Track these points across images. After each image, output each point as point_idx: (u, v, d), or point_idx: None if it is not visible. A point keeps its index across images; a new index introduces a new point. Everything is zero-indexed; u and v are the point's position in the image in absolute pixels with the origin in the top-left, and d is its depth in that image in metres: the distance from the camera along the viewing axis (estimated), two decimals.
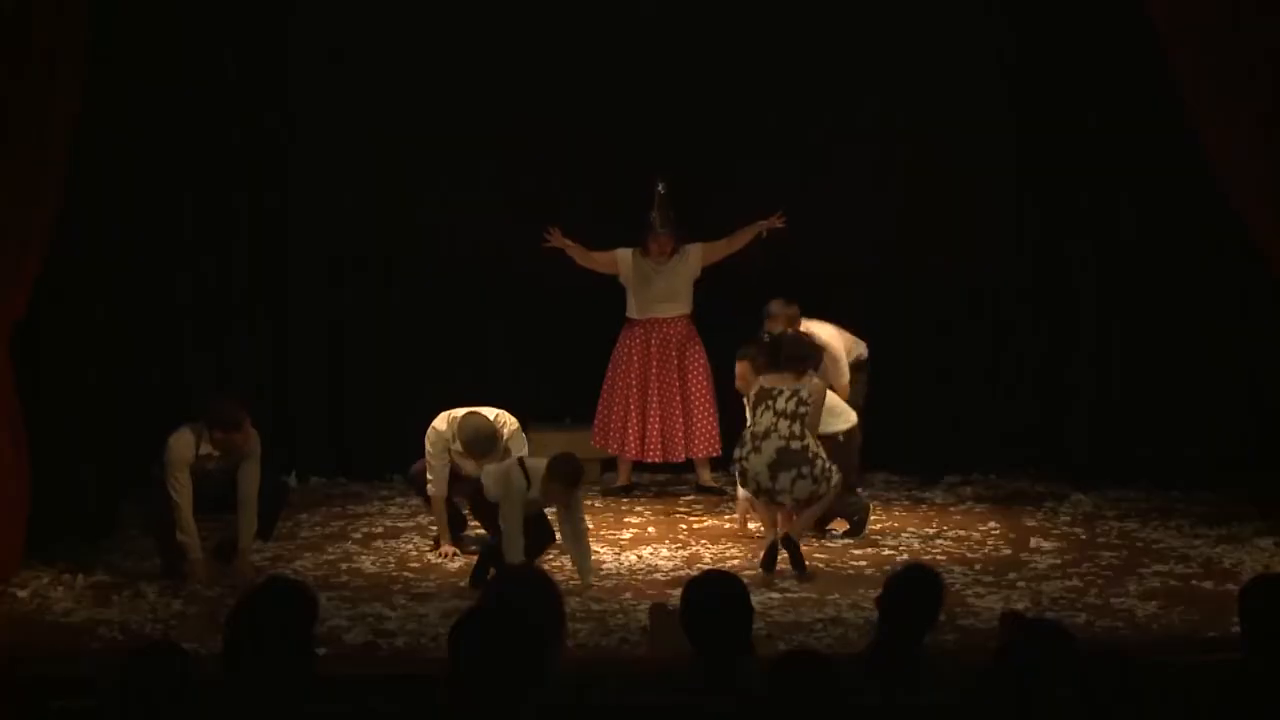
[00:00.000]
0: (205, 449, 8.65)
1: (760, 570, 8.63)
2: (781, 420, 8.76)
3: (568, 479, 8.52)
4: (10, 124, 8.22)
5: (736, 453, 8.93)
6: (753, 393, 8.99)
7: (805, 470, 8.74)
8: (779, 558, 8.71)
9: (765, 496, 8.87)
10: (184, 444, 8.65)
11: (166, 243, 10.83)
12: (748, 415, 9.04)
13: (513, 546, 8.37)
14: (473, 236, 11.15)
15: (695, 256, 10.58)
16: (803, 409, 8.78)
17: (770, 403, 8.80)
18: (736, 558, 9.09)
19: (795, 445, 8.74)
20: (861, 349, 10.30)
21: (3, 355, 8.44)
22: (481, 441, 8.97)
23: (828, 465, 8.85)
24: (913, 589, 5.62)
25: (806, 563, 8.72)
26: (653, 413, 10.55)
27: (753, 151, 11.04)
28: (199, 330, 11.00)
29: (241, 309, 11.05)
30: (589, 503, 10.33)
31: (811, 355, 9.10)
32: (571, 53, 11.01)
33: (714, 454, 10.60)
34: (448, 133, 11.08)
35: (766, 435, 8.76)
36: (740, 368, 9.47)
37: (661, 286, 10.54)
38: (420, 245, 11.18)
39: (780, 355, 9.00)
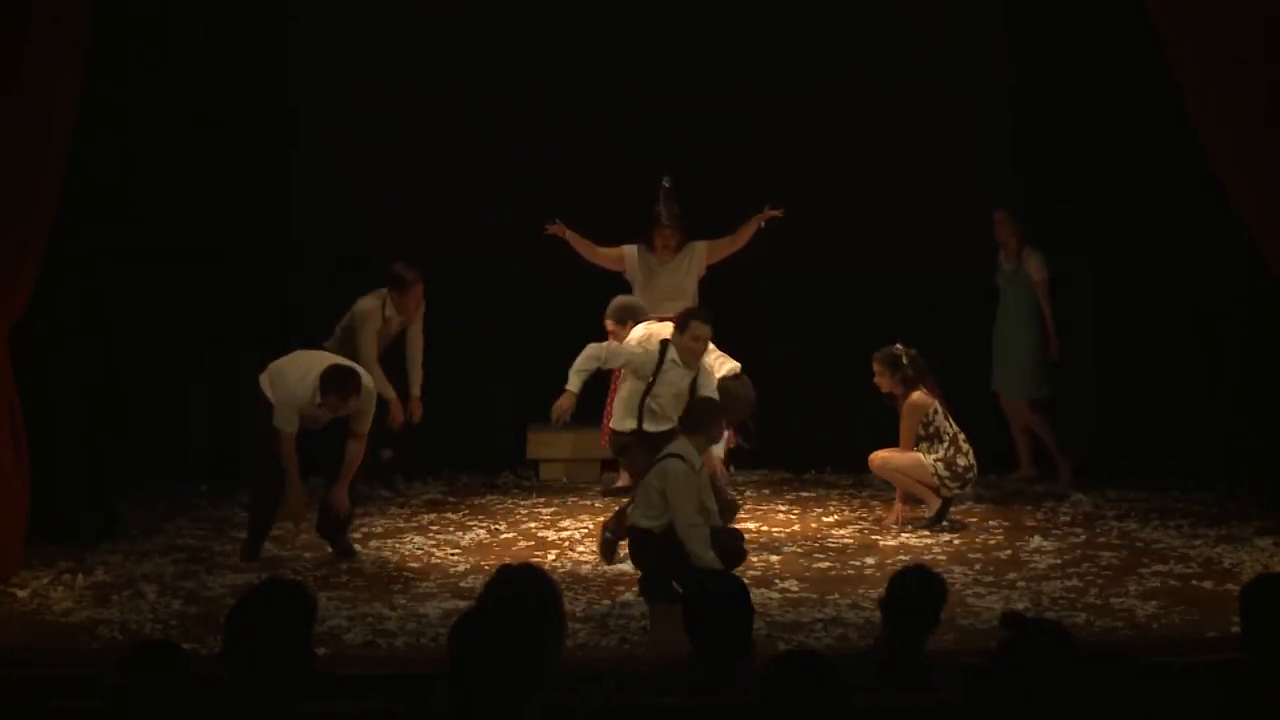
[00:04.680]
0: (389, 312, 10.30)
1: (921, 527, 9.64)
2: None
3: (731, 398, 8.67)
4: (9, 126, 8.21)
5: (963, 461, 9.67)
6: (936, 409, 9.72)
7: None
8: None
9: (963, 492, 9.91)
10: (372, 307, 10.23)
11: (166, 243, 10.84)
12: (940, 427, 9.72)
13: (696, 545, 8.06)
14: (475, 235, 11.15)
15: (700, 254, 10.58)
16: None
17: (947, 414, 9.78)
18: None
19: None
20: None
21: (2, 355, 8.44)
22: None
23: None
24: (915, 591, 5.62)
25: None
26: None
27: (757, 152, 11.05)
28: (199, 330, 11.00)
29: (241, 309, 11.06)
30: (589, 503, 10.37)
31: None
32: (576, 50, 11.03)
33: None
34: (449, 131, 11.09)
35: (969, 440, 9.77)
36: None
37: (666, 284, 10.54)
38: (421, 245, 11.18)
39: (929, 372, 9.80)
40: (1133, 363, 11.05)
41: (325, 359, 9.06)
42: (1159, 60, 8.62)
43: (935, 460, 9.68)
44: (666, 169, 10.44)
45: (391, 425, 10.22)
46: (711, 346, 9.43)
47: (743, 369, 9.65)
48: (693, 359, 9.19)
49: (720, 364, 9.54)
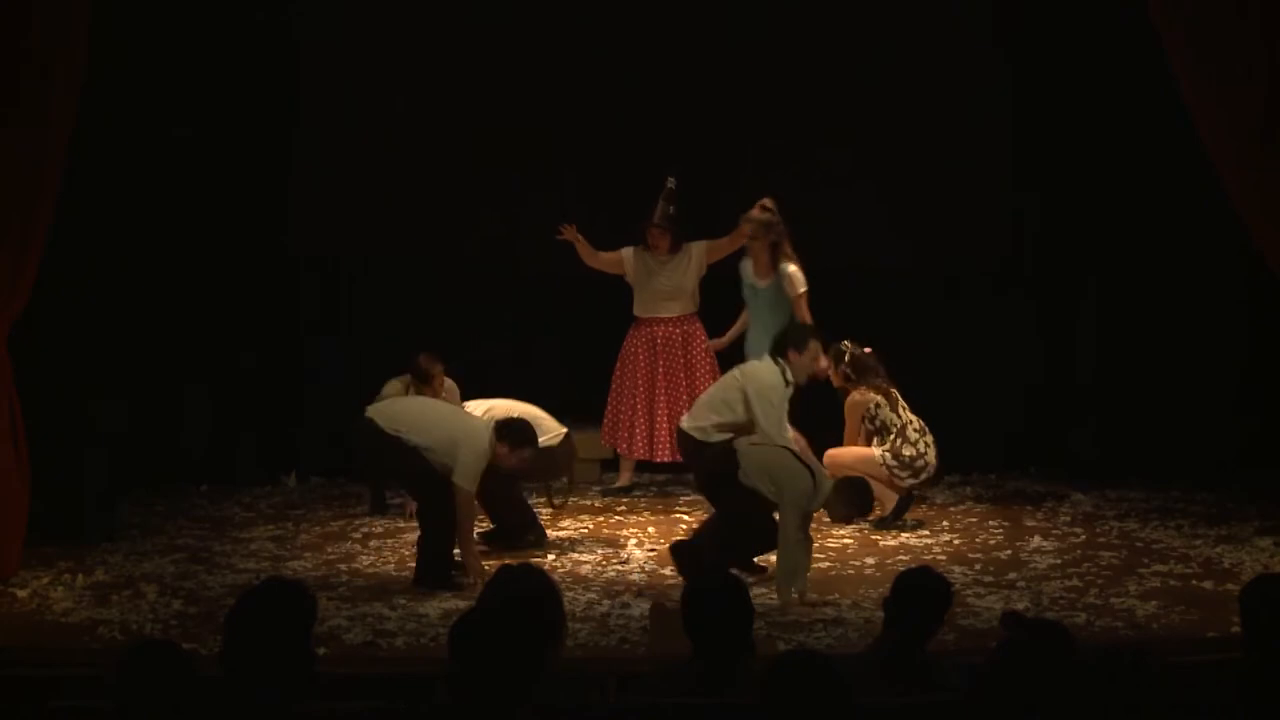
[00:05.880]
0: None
1: (877, 526, 9.67)
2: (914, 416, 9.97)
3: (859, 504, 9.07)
4: (9, 127, 8.21)
5: (909, 451, 9.79)
6: (879, 398, 9.91)
7: None
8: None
9: (922, 483, 9.94)
10: (395, 393, 9.73)
11: (166, 242, 10.84)
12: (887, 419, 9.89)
13: (776, 430, 8.43)
14: (475, 235, 11.15)
15: (699, 255, 10.58)
16: None
17: (904, 403, 9.92)
18: None
19: None
20: None
21: (2, 355, 8.44)
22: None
23: None
24: (920, 592, 5.62)
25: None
26: (660, 412, 10.53)
27: (757, 153, 11.05)
28: (199, 330, 11.00)
29: (241, 309, 11.05)
30: (589, 503, 10.37)
31: None
32: (578, 51, 11.02)
33: None
34: (452, 131, 11.09)
35: (924, 431, 9.88)
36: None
37: (664, 284, 10.54)
38: (423, 244, 11.18)
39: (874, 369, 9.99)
40: (1133, 362, 11.05)
41: (472, 415, 9.05)
42: (1159, 60, 8.62)
43: (883, 452, 9.84)
44: (669, 170, 10.43)
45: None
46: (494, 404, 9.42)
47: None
48: (804, 379, 8.88)
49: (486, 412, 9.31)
